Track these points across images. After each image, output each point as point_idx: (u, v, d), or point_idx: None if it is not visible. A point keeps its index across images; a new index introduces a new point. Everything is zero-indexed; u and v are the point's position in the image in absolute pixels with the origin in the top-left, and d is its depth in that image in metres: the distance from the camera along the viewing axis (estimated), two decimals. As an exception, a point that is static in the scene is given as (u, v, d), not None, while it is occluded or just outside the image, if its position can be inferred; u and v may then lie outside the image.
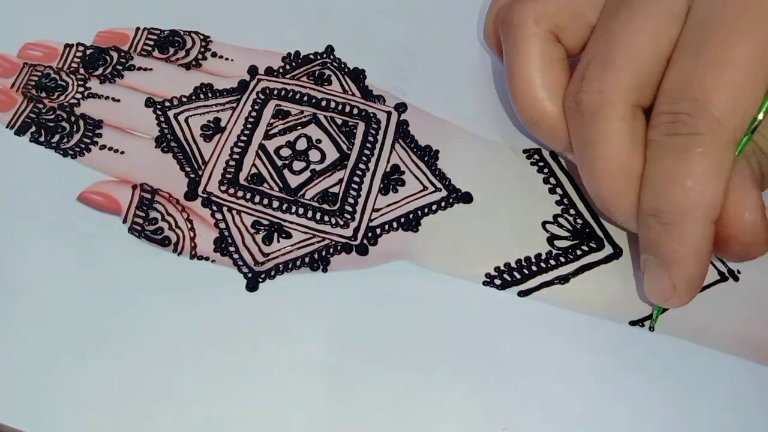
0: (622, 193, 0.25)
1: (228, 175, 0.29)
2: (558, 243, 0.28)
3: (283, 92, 0.31)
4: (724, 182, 0.23)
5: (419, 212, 0.29)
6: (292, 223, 0.28)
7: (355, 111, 0.31)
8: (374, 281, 0.27)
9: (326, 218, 0.28)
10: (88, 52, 0.32)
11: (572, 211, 0.29)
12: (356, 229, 0.28)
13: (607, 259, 0.28)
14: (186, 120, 0.31)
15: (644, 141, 0.24)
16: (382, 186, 0.29)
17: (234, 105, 0.31)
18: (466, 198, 0.29)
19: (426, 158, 0.30)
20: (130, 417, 0.24)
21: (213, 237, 0.28)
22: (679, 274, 0.23)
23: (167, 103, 0.31)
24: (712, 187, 0.23)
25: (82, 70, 0.32)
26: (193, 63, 0.32)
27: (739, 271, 0.27)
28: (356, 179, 0.29)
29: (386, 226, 0.28)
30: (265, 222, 0.28)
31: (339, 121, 0.31)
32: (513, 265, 0.28)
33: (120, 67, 0.32)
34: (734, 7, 0.23)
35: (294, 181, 0.29)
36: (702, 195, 0.23)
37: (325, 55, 0.33)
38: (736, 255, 0.25)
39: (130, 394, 0.24)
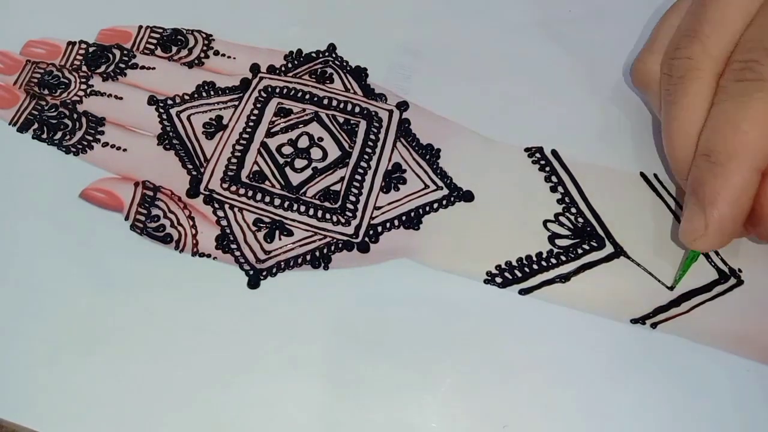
0: (690, 157, 0.25)
1: (230, 173, 0.29)
2: (559, 242, 0.28)
3: (285, 90, 0.31)
4: None
5: (420, 210, 0.29)
6: (293, 220, 0.28)
7: (357, 109, 0.31)
8: (375, 279, 0.27)
9: (328, 216, 0.28)
10: (91, 49, 0.33)
11: (573, 210, 0.29)
12: (357, 227, 0.28)
13: (607, 258, 0.28)
14: (188, 118, 0.31)
15: None
16: (383, 184, 0.29)
17: (236, 103, 0.31)
18: (468, 196, 0.29)
19: (427, 156, 0.30)
20: (131, 412, 0.24)
21: (215, 234, 0.28)
22: (713, 215, 0.24)
23: (169, 101, 0.31)
24: (765, 134, 0.23)
25: (84, 68, 0.32)
26: (196, 61, 0.32)
27: (740, 270, 0.27)
28: (358, 177, 0.29)
29: (387, 224, 0.28)
30: (267, 219, 0.28)
31: (341, 119, 0.31)
32: (514, 263, 0.28)
33: (123, 65, 0.32)
34: None
35: (296, 178, 0.29)
36: (753, 140, 0.23)
37: (327, 54, 0.33)
38: (766, 237, 0.25)
39: (131, 389, 0.24)
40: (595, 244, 0.28)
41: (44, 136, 0.30)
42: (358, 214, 0.28)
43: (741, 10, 0.25)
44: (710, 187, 0.24)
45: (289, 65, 0.32)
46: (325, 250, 0.28)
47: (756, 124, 0.23)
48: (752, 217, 0.24)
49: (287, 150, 0.30)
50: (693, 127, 0.25)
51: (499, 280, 0.27)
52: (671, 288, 0.27)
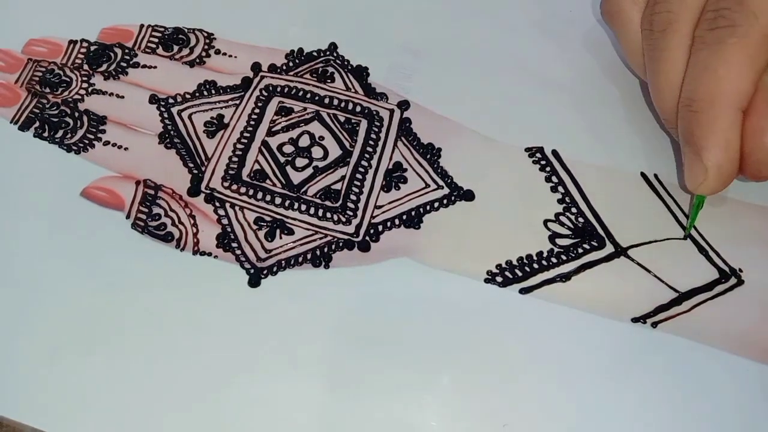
0: (676, 104, 0.26)
1: (231, 172, 0.29)
2: (559, 241, 0.28)
3: (286, 89, 0.31)
4: (754, 74, 0.24)
5: (421, 209, 0.29)
6: (294, 219, 0.28)
7: (358, 108, 0.31)
8: (376, 278, 0.27)
9: (328, 215, 0.28)
10: (92, 48, 0.33)
11: (574, 210, 0.29)
12: (358, 226, 0.28)
13: (608, 258, 0.28)
14: (189, 116, 0.31)
15: None
16: (384, 183, 0.29)
17: (237, 102, 0.31)
18: (468, 196, 0.29)
19: (428, 156, 0.30)
20: (132, 410, 0.24)
21: (216, 233, 0.28)
22: (710, 159, 0.25)
23: (171, 100, 0.31)
24: (742, 76, 0.24)
25: (86, 67, 0.32)
26: (197, 60, 0.32)
27: (741, 270, 0.27)
28: (359, 176, 0.29)
29: (388, 223, 0.28)
30: (268, 218, 0.28)
31: (342, 118, 0.31)
32: (514, 262, 0.28)
33: (124, 64, 0.32)
34: None
35: (296, 177, 0.29)
36: (731, 83, 0.24)
37: (328, 53, 0.33)
38: (753, 175, 0.26)
39: (132, 388, 0.24)
40: (595, 244, 0.28)
41: (45, 134, 0.30)
42: (359, 213, 0.28)
43: None
44: (699, 135, 0.25)
45: (291, 64, 0.32)
46: (325, 249, 0.28)
47: (732, 68, 0.24)
48: (744, 159, 0.25)
49: (288, 149, 0.30)
50: (676, 77, 0.26)
51: (499, 279, 0.27)
52: (685, 238, 0.28)
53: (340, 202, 0.29)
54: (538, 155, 0.30)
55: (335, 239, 0.28)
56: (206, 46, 0.33)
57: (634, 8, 0.29)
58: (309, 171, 0.29)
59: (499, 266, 0.27)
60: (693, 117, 0.25)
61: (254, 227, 0.28)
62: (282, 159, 0.30)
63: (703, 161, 0.25)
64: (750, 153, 0.25)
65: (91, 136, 0.30)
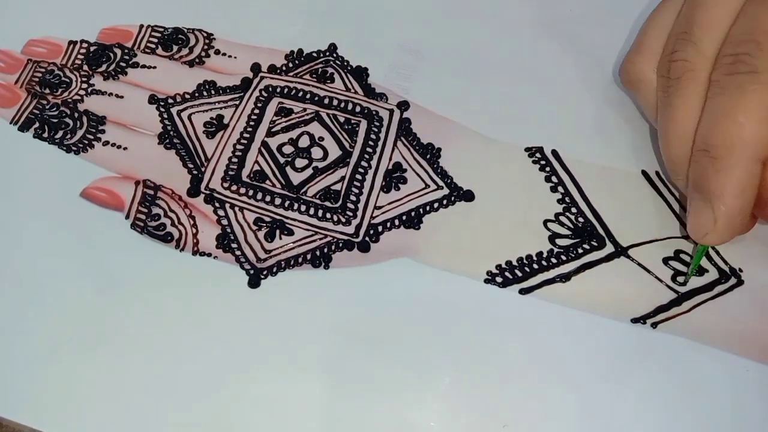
0: (686, 155, 0.26)
1: (230, 172, 0.29)
2: (559, 241, 0.28)
3: (285, 90, 0.31)
4: None
5: (421, 210, 0.29)
6: (294, 220, 0.28)
7: (358, 109, 0.31)
8: (376, 279, 0.27)
9: (328, 215, 0.28)
10: (92, 48, 0.33)
11: (574, 210, 0.29)
12: (358, 227, 0.28)
13: (608, 258, 0.28)
14: (189, 117, 0.31)
15: None
16: (384, 183, 0.29)
17: (237, 102, 0.31)
18: (468, 196, 0.29)
19: (428, 156, 0.30)
20: (131, 411, 0.24)
21: (215, 233, 0.28)
22: (720, 208, 0.24)
23: (170, 100, 0.31)
24: (762, 124, 0.23)
25: (85, 67, 0.32)
26: (197, 60, 0.32)
27: (741, 270, 0.27)
28: (358, 177, 0.29)
29: (388, 224, 0.28)
30: (268, 219, 0.28)
31: (341, 119, 0.31)
32: (514, 263, 0.28)
33: (123, 64, 0.32)
34: None
35: (296, 178, 0.29)
36: (751, 131, 0.23)
37: (328, 53, 0.33)
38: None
39: (131, 388, 0.25)
40: (595, 244, 0.28)
41: (45, 135, 0.30)
42: (359, 213, 0.28)
43: (728, 7, 0.25)
44: (714, 182, 0.24)
45: (290, 65, 0.32)
46: (325, 250, 0.28)
47: (752, 116, 0.23)
48: (759, 202, 0.24)
49: (288, 149, 0.30)
50: (689, 124, 0.25)
51: (499, 279, 0.27)
52: (684, 284, 0.27)
53: (340, 202, 0.29)
54: (538, 155, 0.30)
55: (335, 240, 0.28)
56: (206, 47, 0.33)
57: (654, 75, 0.28)
58: (309, 171, 0.29)
59: (499, 266, 0.27)
60: (709, 163, 0.24)
61: (254, 228, 0.28)
62: (282, 159, 0.30)
63: (713, 210, 0.24)
64: None
65: (91, 137, 0.30)
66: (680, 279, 0.27)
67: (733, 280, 0.27)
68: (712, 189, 0.24)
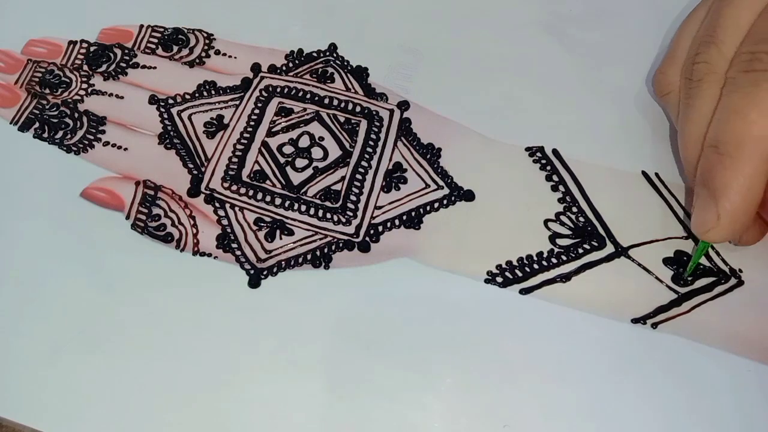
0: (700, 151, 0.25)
1: (231, 172, 0.29)
2: (560, 241, 0.28)
3: (286, 90, 0.31)
4: None
5: (421, 210, 0.29)
6: (294, 220, 0.28)
7: (358, 108, 0.31)
8: (376, 279, 0.27)
9: (328, 215, 0.28)
10: (92, 49, 0.33)
11: (574, 209, 0.29)
12: (358, 227, 0.28)
13: (608, 258, 0.28)
14: (189, 117, 0.31)
15: None
16: (384, 183, 0.29)
17: (237, 102, 0.31)
18: (468, 196, 0.29)
19: (428, 156, 0.30)
20: (131, 411, 0.24)
21: (215, 234, 0.28)
22: (725, 205, 0.24)
23: (170, 101, 0.31)
24: None
25: (85, 67, 0.32)
26: (197, 60, 0.32)
27: (740, 270, 0.27)
28: (359, 177, 0.29)
29: (388, 224, 0.28)
30: (268, 219, 0.28)
31: (342, 119, 0.31)
32: (515, 263, 0.28)
33: (124, 65, 0.32)
34: None
35: (296, 178, 0.29)
36: (762, 128, 0.23)
37: (328, 53, 0.33)
38: None
39: (131, 388, 0.25)
40: (595, 244, 0.28)
41: (45, 135, 0.30)
42: (359, 213, 0.28)
43: (752, 9, 0.25)
44: (720, 178, 0.24)
45: (290, 65, 0.32)
46: (325, 250, 0.28)
47: (764, 113, 0.23)
48: (765, 203, 0.24)
49: (288, 149, 0.30)
50: (705, 124, 0.25)
51: (499, 279, 0.27)
52: (684, 282, 0.27)
53: (340, 202, 0.29)
54: (539, 155, 0.30)
55: (335, 240, 0.28)
56: (206, 47, 0.33)
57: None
58: (309, 171, 0.29)
59: (499, 266, 0.27)
60: (717, 159, 0.24)
61: (254, 228, 0.28)
62: (282, 159, 0.30)
63: (717, 206, 0.24)
64: None
65: (91, 137, 0.30)
66: (687, 277, 0.27)
67: (733, 281, 0.27)
68: (718, 185, 0.24)
